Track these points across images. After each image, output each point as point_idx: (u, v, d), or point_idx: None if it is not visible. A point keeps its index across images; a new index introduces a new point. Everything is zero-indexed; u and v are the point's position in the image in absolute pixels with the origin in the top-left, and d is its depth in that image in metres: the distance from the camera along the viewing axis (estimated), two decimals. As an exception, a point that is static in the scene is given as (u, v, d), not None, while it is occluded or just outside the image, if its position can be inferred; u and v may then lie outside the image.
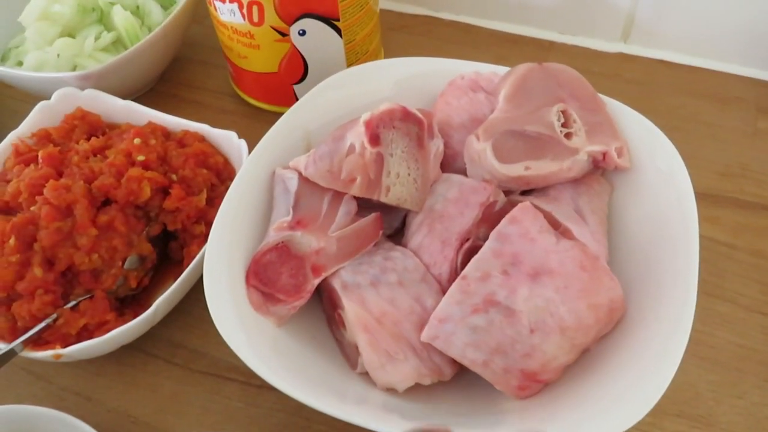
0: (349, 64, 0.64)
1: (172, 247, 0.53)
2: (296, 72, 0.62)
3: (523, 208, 0.43)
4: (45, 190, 0.47)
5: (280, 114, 0.52)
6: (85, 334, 0.46)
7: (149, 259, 0.51)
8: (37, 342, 0.45)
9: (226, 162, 0.57)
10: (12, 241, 0.45)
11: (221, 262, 0.44)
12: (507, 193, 0.49)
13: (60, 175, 0.51)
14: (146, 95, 0.72)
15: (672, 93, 0.69)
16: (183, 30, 0.69)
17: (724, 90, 0.68)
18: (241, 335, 0.42)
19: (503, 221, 0.42)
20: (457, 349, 0.41)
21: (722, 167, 0.61)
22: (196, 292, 0.51)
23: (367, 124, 0.46)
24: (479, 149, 0.47)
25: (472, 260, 0.42)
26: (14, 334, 0.45)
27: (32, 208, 0.47)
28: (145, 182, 0.49)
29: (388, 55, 0.72)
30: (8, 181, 0.52)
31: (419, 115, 0.48)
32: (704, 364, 0.49)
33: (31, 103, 0.60)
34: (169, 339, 0.52)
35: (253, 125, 0.60)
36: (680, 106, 0.67)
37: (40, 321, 0.45)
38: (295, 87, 0.64)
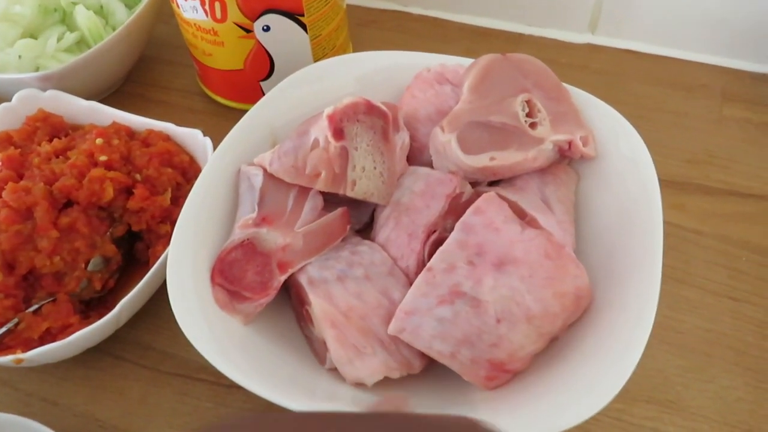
0: (316, 60, 0.63)
1: (138, 248, 0.53)
2: (262, 68, 0.62)
3: (488, 199, 0.43)
4: (4, 193, 0.46)
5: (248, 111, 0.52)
6: (48, 338, 0.45)
7: (114, 260, 0.50)
8: (-2, 347, 0.44)
9: (192, 160, 0.56)
10: (-30, 245, 0.44)
11: (185, 261, 0.44)
12: (474, 184, 0.49)
13: (20, 177, 0.50)
14: (113, 96, 0.71)
15: (639, 82, 0.70)
16: (148, 29, 0.68)
17: (689, 78, 0.69)
18: (206, 334, 0.41)
19: (468, 212, 0.42)
20: (424, 341, 0.40)
21: (688, 154, 0.62)
22: (163, 293, 0.50)
23: (330, 118, 0.46)
24: (444, 141, 0.47)
25: (438, 252, 0.42)
26: (-25, 340, 0.45)
27: (-9, 212, 0.46)
28: (108, 182, 0.49)
29: (357, 51, 0.71)
30: (-32, 186, 0.51)
31: (383, 108, 0.48)
32: (672, 349, 0.49)
33: (-9, 105, 0.59)
34: (137, 341, 0.51)
35: (222, 123, 0.59)
36: (647, 95, 0.68)
37: (1, 326, 0.44)
38: (262, 83, 0.63)
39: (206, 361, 0.40)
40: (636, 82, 0.69)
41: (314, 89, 0.55)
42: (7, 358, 0.42)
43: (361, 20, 0.78)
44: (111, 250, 0.49)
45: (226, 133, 0.50)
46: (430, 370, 0.44)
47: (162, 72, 0.74)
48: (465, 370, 0.41)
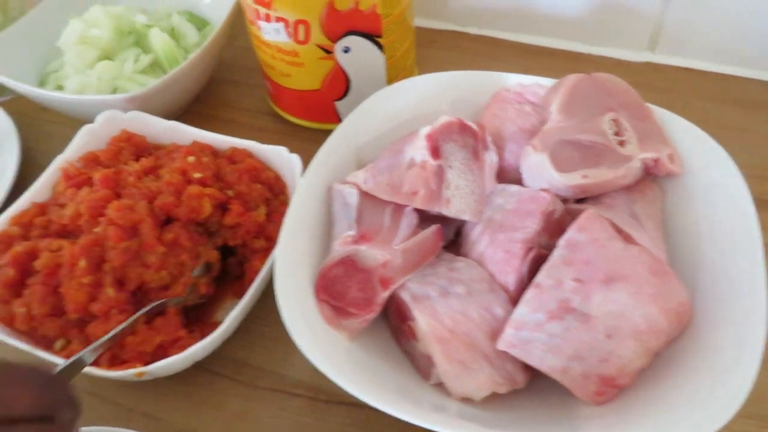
0: (389, 80, 0.64)
1: (231, 262, 0.54)
2: (338, 89, 0.63)
3: (590, 217, 0.44)
4: (109, 211, 0.47)
5: (320, 130, 0.53)
6: (158, 351, 0.46)
7: (215, 267, 0.51)
8: (114, 361, 0.45)
9: (277, 177, 0.57)
10: (83, 263, 0.45)
11: (290, 279, 0.45)
12: (562, 201, 0.50)
13: (118, 195, 0.51)
14: (182, 116, 0.73)
15: (699, 100, 0.70)
16: (220, 51, 0.70)
17: (751, 95, 0.70)
18: (316, 349, 0.42)
19: (571, 229, 0.43)
20: (536, 356, 0.41)
21: (757, 170, 0.62)
22: (254, 309, 0.51)
23: (429, 138, 0.47)
24: (537, 159, 0.48)
25: (543, 268, 0.42)
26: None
27: (95, 230, 0.48)
28: (206, 199, 0.50)
29: (420, 71, 0.73)
30: (61, 205, 0.52)
31: (475, 127, 0.49)
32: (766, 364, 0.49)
33: (65, 125, 0.60)
34: (232, 357, 0.52)
35: (290, 141, 0.60)
36: (708, 113, 0.69)
37: (116, 341, 0.45)
38: (337, 103, 0.65)
39: (302, 377, 0.40)
40: (696, 99, 0.70)
41: (393, 109, 0.56)
42: (128, 372, 0.43)
43: (421, 41, 0.79)
44: (214, 256, 0.51)
45: (295, 150, 0.52)
46: (533, 384, 0.44)
47: (229, 92, 0.75)
48: (575, 385, 0.41)
